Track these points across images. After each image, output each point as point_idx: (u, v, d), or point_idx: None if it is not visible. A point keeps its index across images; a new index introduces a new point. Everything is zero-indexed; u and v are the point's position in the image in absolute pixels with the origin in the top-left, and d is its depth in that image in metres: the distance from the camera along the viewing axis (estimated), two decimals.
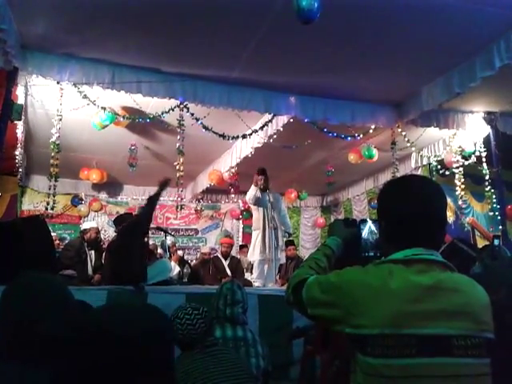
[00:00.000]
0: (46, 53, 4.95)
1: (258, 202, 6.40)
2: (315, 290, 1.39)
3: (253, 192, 6.34)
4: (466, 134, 7.04)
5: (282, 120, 6.34)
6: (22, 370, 1.06)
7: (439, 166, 7.72)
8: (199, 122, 6.08)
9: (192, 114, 5.98)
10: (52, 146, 5.83)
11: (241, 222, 11.50)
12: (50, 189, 5.93)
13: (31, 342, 1.04)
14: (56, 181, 5.85)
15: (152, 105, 5.88)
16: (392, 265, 1.32)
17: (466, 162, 7.21)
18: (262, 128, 6.48)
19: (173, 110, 5.88)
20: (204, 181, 9.42)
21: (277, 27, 4.44)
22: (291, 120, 6.19)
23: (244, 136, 6.64)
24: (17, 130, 6.39)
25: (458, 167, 7.19)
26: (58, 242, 7.61)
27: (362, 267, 1.38)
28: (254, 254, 6.52)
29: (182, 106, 5.88)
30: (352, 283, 1.32)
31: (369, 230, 1.74)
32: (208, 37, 4.71)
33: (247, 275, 7.33)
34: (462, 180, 7.17)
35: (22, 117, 5.48)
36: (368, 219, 1.78)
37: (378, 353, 1.21)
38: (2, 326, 1.18)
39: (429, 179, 1.50)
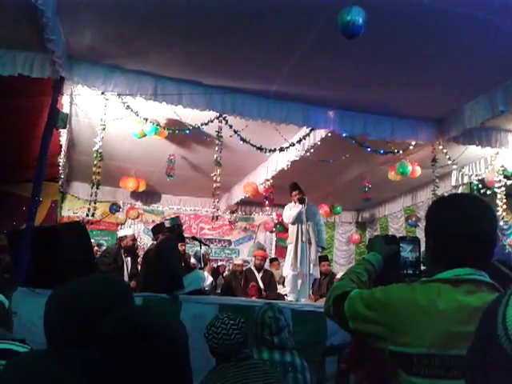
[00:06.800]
0: (92, 63, 5.06)
1: (295, 219, 6.36)
2: (359, 305, 1.38)
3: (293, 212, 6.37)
4: (509, 153, 6.87)
5: (320, 134, 6.28)
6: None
7: (480, 185, 7.54)
8: (237, 134, 6.13)
9: (230, 126, 6.03)
10: (95, 155, 5.96)
11: (274, 234, 11.48)
12: (91, 196, 6.04)
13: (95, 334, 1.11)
14: (97, 188, 5.97)
15: (192, 116, 5.96)
16: (440, 284, 1.30)
17: (509, 182, 7.04)
18: (299, 141, 6.46)
19: (212, 121, 5.95)
20: (239, 192, 9.46)
21: (318, 42, 4.44)
22: (329, 134, 6.13)
23: (281, 149, 6.63)
24: (60, 138, 6.57)
25: (499, 187, 7.01)
26: (96, 248, 7.77)
27: (409, 285, 1.36)
28: (286, 268, 6.48)
29: (220, 117, 5.94)
30: (399, 301, 1.30)
31: (407, 247, 1.72)
32: (249, 50, 4.76)
33: (279, 288, 7.29)
34: (504, 200, 6.96)
35: (67, 125, 5.62)
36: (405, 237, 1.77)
37: (424, 373, 1.20)
38: (75, 314, 1.25)
39: (480, 198, 1.46)
